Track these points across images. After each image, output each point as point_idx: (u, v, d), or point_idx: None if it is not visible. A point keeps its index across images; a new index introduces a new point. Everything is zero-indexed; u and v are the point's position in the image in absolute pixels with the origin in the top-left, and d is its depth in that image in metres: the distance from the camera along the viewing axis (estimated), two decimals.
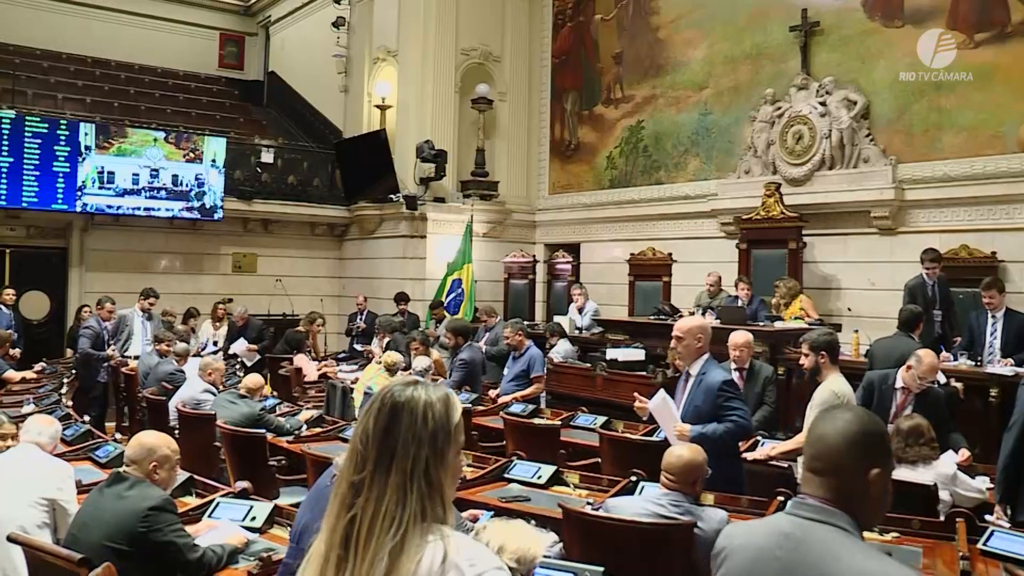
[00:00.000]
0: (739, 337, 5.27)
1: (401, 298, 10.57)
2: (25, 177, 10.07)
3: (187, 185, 11.10)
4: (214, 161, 11.28)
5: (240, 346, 9.41)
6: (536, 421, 5.56)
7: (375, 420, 1.39)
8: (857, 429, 1.55)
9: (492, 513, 3.47)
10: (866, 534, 3.23)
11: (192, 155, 11.16)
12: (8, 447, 3.71)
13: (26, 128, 10.09)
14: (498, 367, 7.81)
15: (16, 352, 8.01)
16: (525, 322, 10.20)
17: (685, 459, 3.12)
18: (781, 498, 3.36)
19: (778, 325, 7.41)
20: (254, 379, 5.71)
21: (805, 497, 1.56)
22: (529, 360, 7.03)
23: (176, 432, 5.33)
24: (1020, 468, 3.78)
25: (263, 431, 5.04)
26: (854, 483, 1.51)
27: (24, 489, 3.23)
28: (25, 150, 10.05)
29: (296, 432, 5.30)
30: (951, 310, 6.97)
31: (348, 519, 1.35)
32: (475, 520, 3.37)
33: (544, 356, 7.75)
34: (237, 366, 8.67)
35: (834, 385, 4.07)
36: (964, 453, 4.43)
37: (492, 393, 7.11)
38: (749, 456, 4.40)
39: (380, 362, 6.65)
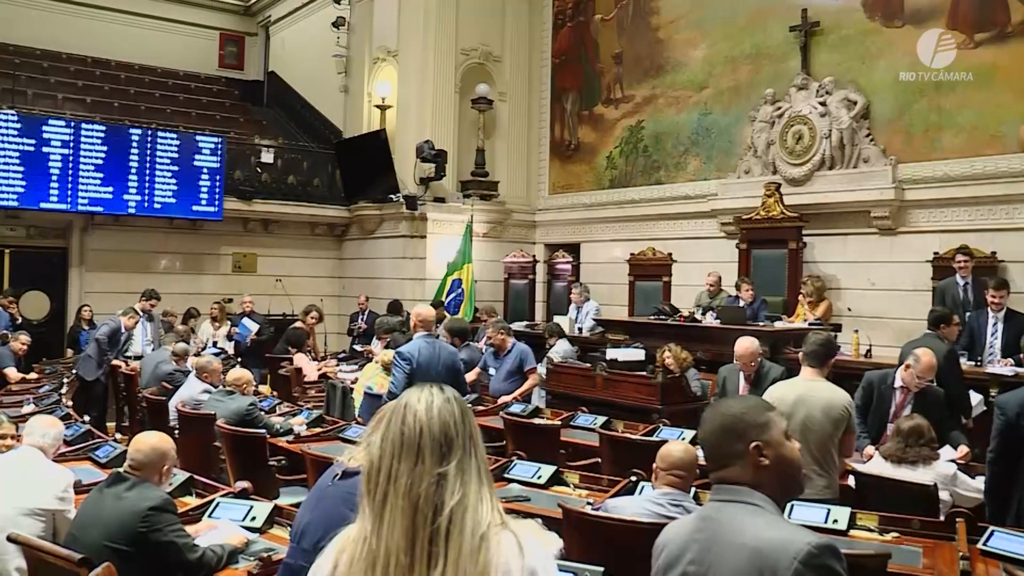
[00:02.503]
0: (741, 348, 5.17)
1: (394, 308, 10.39)
2: (26, 177, 10.06)
3: (187, 185, 11.10)
4: (214, 161, 11.29)
5: (250, 323, 9.69)
6: (536, 421, 5.56)
7: (450, 410, 1.40)
8: (720, 422, 1.75)
9: None
10: (866, 535, 3.28)
11: (192, 155, 11.16)
12: (8, 447, 3.70)
13: (28, 129, 10.08)
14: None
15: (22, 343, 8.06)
16: (525, 322, 10.27)
17: (689, 454, 3.13)
18: None
19: (778, 325, 7.42)
20: (237, 373, 5.70)
21: (722, 483, 1.73)
22: (520, 355, 7.01)
23: (176, 432, 5.34)
24: (1001, 491, 3.76)
25: (263, 431, 5.04)
26: (744, 464, 1.68)
27: (23, 497, 3.20)
28: (27, 151, 10.05)
29: (285, 433, 5.29)
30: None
31: (433, 514, 1.32)
32: None
33: (544, 356, 7.77)
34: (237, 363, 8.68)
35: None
36: (963, 449, 4.44)
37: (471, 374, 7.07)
38: None
39: (378, 361, 6.65)
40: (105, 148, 10.56)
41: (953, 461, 4.15)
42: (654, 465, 3.15)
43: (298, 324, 9.41)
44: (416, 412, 1.38)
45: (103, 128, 10.72)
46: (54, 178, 10.24)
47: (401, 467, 1.35)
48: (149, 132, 11.01)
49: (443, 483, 1.33)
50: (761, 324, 7.38)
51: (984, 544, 3.07)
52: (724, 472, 1.70)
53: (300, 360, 8.49)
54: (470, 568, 1.30)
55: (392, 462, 1.35)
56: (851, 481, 3.95)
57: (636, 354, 7.05)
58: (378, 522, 1.33)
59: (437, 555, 1.30)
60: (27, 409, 5.45)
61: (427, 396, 1.41)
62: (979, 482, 3.95)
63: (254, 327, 9.72)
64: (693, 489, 3.31)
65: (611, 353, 7.16)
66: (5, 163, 9.93)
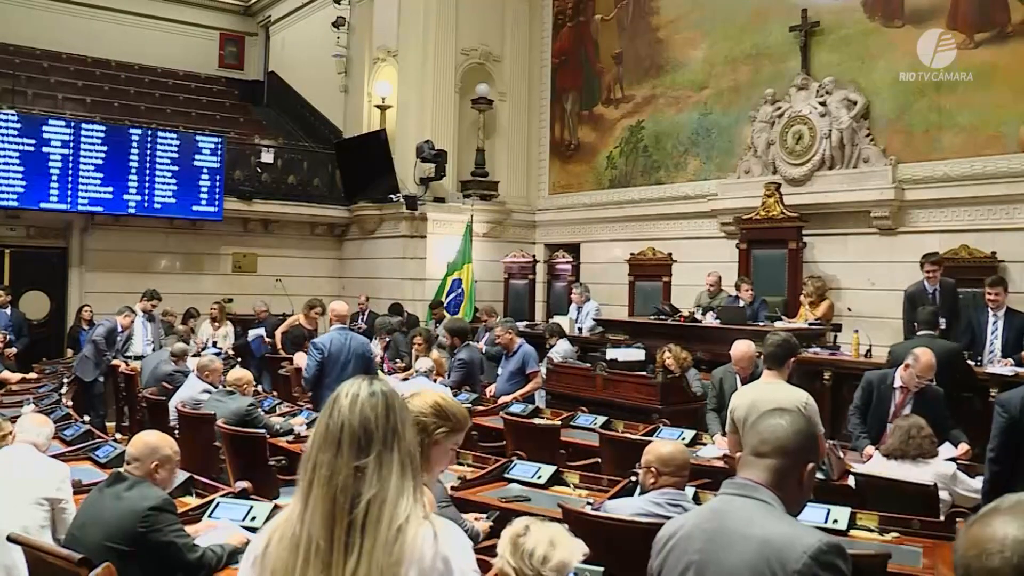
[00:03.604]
0: (737, 352, 5.07)
1: (395, 309, 10.43)
2: (26, 177, 10.06)
3: (187, 185, 11.10)
4: (214, 161, 11.28)
5: (258, 331, 9.73)
6: (536, 421, 5.56)
7: (373, 404, 1.42)
8: (805, 425, 1.81)
9: (496, 513, 3.46)
10: (866, 535, 3.29)
11: (192, 155, 11.16)
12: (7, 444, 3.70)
13: (28, 129, 10.08)
14: (497, 367, 7.81)
15: (12, 351, 7.99)
16: (525, 322, 10.26)
17: (684, 453, 3.13)
18: None
19: (778, 325, 7.41)
20: (237, 373, 5.70)
21: (736, 478, 1.77)
22: (523, 357, 7.03)
23: (176, 432, 5.33)
24: (1001, 491, 3.73)
25: (263, 431, 5.04)
26: (792, 468, 1.73)
27: (24, 490, 3.22)
28: (27, 151, 10.04)
29: (285, 434, 5.29)
30: (956, 319, 6.52)
31: (351, 505, 1.35)
32: (476, 521, 3.37)
33: (544, 356, 7.76)
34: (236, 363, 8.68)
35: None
36: (964, 447, 4.44)
37: (489, 391, 7.12)
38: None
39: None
40: (105, 148, 10.56)
41: (954, 459, 4.15)
42: (643, 463, 3.13)
43: (299, 321, 9.38)
44: (342, 406, 1.42)
45: (103, 128, 10.72)
46: (54, 178, 10.23)
47: (323, 457, 1.39)
48: (149, 132, 11.01)
49: (360, 476, 1.37)
50: (761, 324, 7.38)
51: None
52: (765, 462, 1.73)
53: (300, 360, 8.46)
54: (384, 558, 1.34)
55: (317, 452, 1.40)
56: (851, 481, 3.95)
57: (636, 354, 7.06)
58: (303, 508, 1.38)
59: (353, 544, 1.34)
60: (27, 410, 5.44)
61: (355, 390, 1.44)
62: (978, 482, 3.95)
63: (260, 331, 9.71)
64: (692, 489, 3.31)
65: (611, 353, 7.16)
66: (5, 163, 9.93)
